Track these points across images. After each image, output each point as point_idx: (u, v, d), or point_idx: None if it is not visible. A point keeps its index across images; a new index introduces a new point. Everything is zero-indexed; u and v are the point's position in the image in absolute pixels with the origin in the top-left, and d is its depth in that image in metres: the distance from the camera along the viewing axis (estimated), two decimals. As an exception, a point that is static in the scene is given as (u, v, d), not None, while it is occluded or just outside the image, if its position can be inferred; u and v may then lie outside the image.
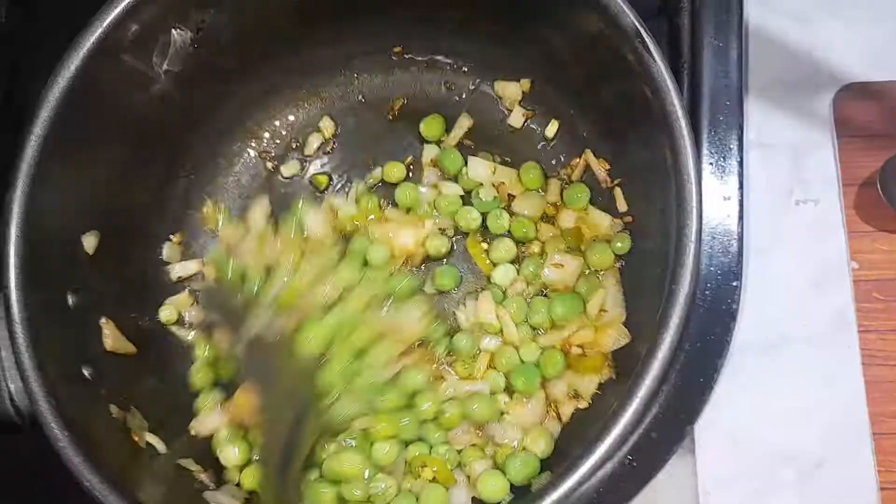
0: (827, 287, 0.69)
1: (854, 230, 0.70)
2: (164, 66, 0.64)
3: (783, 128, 0.72)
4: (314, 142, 0.76)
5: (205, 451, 0.65)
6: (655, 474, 0.58)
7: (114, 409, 0.59)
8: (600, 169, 0.70)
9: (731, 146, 0.62)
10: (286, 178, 0.76)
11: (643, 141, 0.61)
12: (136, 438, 0.59)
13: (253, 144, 0.76)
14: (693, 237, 0.51)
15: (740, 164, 0.61)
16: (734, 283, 0.60)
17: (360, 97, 0.77)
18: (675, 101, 0.54)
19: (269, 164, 0.76)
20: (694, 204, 0.52)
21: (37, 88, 0.60)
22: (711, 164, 0.61)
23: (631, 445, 0.58)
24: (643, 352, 0.54)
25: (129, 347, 0.64)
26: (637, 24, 0.55)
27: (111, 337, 0.62)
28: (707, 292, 0.59)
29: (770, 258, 0.69)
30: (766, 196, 0.71)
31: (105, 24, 0.57)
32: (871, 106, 0.72)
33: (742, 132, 0.62)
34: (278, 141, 0.77)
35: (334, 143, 0.76)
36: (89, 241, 0.60)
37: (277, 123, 0.76)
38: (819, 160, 0.71)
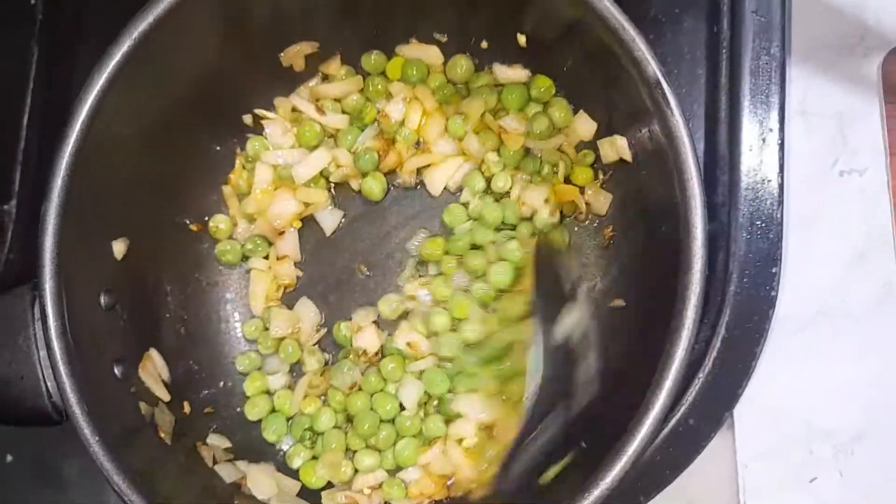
0: (870, 260, 0.67)
1: (901, 201, 0.68)
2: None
3: (828, 94, 0.69)
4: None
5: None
6: (693, 460, 0.59)
7: (143, 405, 0.60)
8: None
9: (772, 127, 0.60)
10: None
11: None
12: (163, 435, 0.60)
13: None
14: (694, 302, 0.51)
15: (781, 146, 0.59)
16: (773, 270, 0.59)
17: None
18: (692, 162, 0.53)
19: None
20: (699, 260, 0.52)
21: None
22: (751, 147, 0.59)
23: (668, 431, 0.59)
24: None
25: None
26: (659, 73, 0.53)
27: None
28: (745, 280, 0.59)
29: (812, 231, 0.68)
30: (809, 167, 0.68)
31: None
32: (922, 69, 0.68)
33: (784, 112, 0.60)
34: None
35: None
36: (118, 247, 0.61)
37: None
38: (865, 128, 0.68)
